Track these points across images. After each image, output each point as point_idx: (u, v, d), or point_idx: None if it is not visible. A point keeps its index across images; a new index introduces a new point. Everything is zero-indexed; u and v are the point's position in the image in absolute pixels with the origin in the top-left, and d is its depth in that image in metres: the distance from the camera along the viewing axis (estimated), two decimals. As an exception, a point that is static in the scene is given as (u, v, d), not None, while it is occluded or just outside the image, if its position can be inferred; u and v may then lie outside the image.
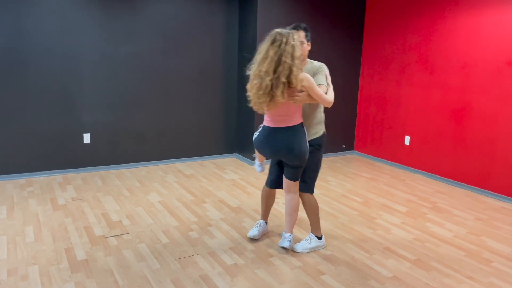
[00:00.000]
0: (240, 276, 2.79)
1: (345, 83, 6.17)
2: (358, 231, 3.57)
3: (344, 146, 6.42)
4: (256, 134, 3.00)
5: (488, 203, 4.40)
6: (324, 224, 3.70)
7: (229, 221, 3.72)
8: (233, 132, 5.97)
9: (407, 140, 5.59)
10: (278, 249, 3.19)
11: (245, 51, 5.56)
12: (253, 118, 5.50)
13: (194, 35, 5.43)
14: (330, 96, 2.80)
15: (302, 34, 2.85)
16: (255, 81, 2.66)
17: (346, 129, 6.38)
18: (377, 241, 3.40)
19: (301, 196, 3.10)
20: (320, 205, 4.18)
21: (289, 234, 3.16)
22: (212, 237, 3.38)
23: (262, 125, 2.97)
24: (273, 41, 2.60)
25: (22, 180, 4.70)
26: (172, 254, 3.06)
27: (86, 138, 5.02)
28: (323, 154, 3.14)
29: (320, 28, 5.77)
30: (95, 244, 3.18)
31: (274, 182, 3.19)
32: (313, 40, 5.72)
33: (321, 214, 3.95)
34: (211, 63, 5.61)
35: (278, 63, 2.57)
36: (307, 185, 3.06)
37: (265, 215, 3.41)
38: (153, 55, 5.22)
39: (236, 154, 6.04)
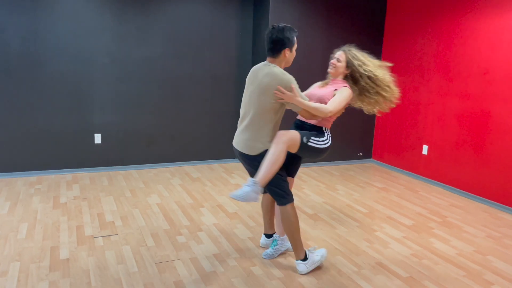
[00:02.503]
0: (215, 284, 2.71)
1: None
2: (353, 244, 3.40)
3: (361, 154, 6.19)
4: (329, 139, 2.94)
5: (506, 220, 4.08)
6: (318, 234, 3.55)
7: (221, 226, 3.65)
8: (245, 137, 5.91)
9: (425, 149, 5.31)
10: (262, 258, 3.08)
11: (258, 56, 5.49)
12: (263, 122, 5.40)
13: (207, 39, 5.43)
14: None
15: None
16: None
17: (363, 136, 6.15)
18: (370, 255, 3.21)
19: None
20: (321, 214, 4.02)
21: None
22: (199, 242, 3.32)
23: (327, 131, 2.95)
24: None
25: (33, 177, 4.84)
26: (153, 258, 3.02)
27: (97, 138, 5.12)
28: None
29: (337, 32, 5.61)
30: (81, 243, 3.20)
31: None
32: (330, 46, 5.58)
33: (320, 223, 3.80)
34: (224, 68, 5.58)
35: None
36: None
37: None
38: (165, 58, 5.26)
39: (248, 158, 5.96)
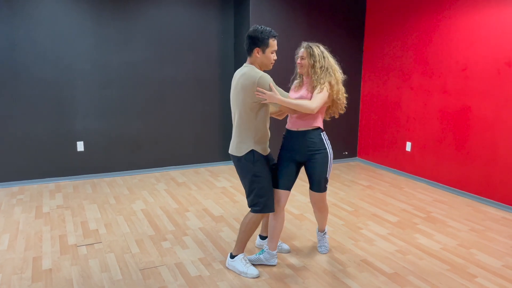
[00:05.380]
0: (200, 288, 2.69)
1: (346, 87, 5.93)
2: (338, 242, 3.41)
3: (346, 152, 6.23)
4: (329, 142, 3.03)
5: (488, 213, 4.14)
6: (304, 234, 3.56)
7: (206, 230, 3.63)
8: (230, 139, 5.88)
9: (408, 146, 5.36)
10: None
11: (240, 58, 5.49)
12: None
13: (188, 42, 5.41)
14: None
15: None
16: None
17: (348, 135, 6.19)
18: (356, 253, 3.23)
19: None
20: (306, 214, 4.03)
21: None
22: (185, 247, 3.30)
23: (323, 130, 2.99)
24: None
25: (15, 188, 4.76)
26: (138, 265, 2.99)
27: (80, 146, 5.06)
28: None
29: (318, 32, 5.64)
30: (64, 253, 3.16)
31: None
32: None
33: (305, 223, 3.81)
34: (207, 70, 5.57)
35: None
36: None
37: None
38: (147, 63, 5.23)
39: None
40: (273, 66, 2.83)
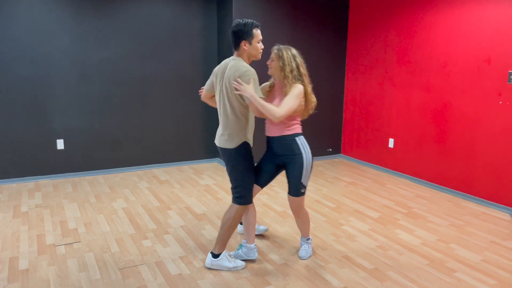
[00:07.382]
0: (180, 287, 2.66)
1: (330, 85, 6.00)
2: (320, 239, 3.41)
3: (330, 149, 6.25)
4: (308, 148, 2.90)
5: (469, 209, 4.19)
6: (285, 230, 3.55)
7: (188, 228, 3.60)
8: (213, 137, 5.85)
9: (391, 143, 5.39)
10: (229, 258, 3.05)
11: (223, 54, 5.46)
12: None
13: (170, 39, 5.36)
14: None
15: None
16: None
17: (332, 132, 6.21)
18: (337, 249, 3.23)
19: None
20: (289, 211, 4.03)
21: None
22: (165, 245, 3.26)
23: (301, 134, 2.91)
24: None
25: (-7, 187, 4.67)
26: (117, 264, 2.95)
27: (60, 144, 4.97)
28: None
29: (301, 29, 5.63)
30: (42, 253, 3.10)
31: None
32: (295, 42, 5.60)
33: (287, 220, 3.81)
34: (190, 67, 5.52)
35: None
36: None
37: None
38: (128, 59, 5.15)
39: (217, 159, 5.92)
40: (254, 62, 2.82)
